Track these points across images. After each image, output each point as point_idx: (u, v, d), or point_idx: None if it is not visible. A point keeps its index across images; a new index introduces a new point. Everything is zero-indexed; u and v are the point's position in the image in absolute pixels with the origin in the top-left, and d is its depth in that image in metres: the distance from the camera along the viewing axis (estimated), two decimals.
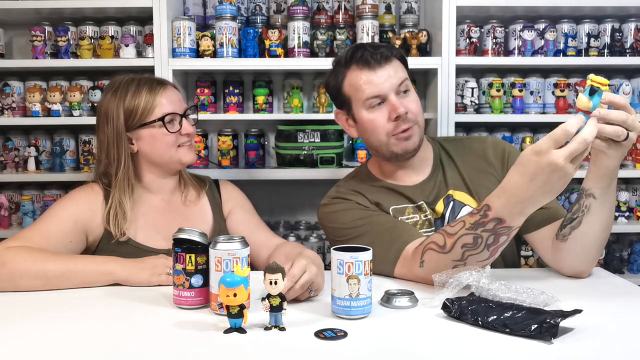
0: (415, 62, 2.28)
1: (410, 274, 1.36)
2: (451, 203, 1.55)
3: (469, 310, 1.08)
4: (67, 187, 2.45)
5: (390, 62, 1.50)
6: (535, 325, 1.00)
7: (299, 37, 2.30)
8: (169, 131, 1.53)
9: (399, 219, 1.52)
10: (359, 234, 1.47)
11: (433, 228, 1.53)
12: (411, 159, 1.56)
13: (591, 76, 1.14)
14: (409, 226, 1.49)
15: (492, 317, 1.05)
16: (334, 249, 1.11)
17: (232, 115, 2.40)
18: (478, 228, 1.22)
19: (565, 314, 1.02)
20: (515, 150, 1.63)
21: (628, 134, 1.15)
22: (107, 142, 1.54)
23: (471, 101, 2.36)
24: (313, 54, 2.34)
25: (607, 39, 2.37)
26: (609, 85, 1.15)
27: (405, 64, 1.56)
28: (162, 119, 1.52)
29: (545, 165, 1.09)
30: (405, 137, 1.50)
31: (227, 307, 1.03)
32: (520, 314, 1.04)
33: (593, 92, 1.12)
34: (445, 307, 1.12)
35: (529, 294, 1.13)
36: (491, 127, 2.47)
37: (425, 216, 1.54)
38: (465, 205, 1.54)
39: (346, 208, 1.54)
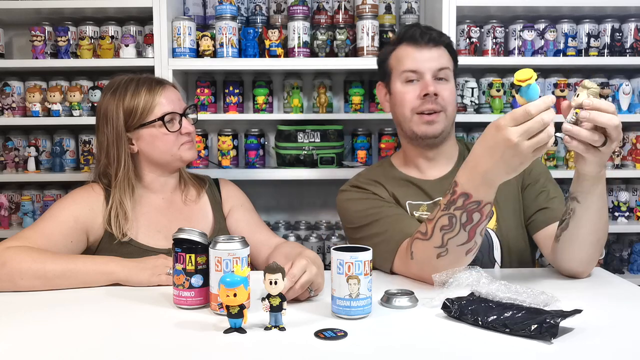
0: None
1: (405, 268, 1.38)
2: None
3: (469, 310, 1.08)
4: (67, 187, 2.45)
5: (438, 47, 1.55)
6: (535, 325, 1.00)
7: (299, 37, 2.30)
8: (169, 130, 1.53)
9: (414, 213, 1.54)
10: (367, 222, 1.50)
11: None
12: (435, 150, 1.58)
13: (515, 75, 1.14)
14: (414, 221, 1.49)
15: (492, 317, 1.05)
16: (334, 249, 1.11)
17: (232, 115, 2.40)
18: (450, 207, 1.24)
19: (565, 314, 1.02)
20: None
21: (606, 140, 1.14)
22: (107, 143, 1.54)
23: (471, 101, 2.36)
24: (313, 54, 2.34)
25: (607, 39, 2.37)
26: (536, 76, 1.15)
27: (453, 55, 1.60)
28: (161, 118, 1.52)
29: (501, 140, 1.11)
30: (428, 121, 1.53)
31: (227, 307, 1.03)
32: (520, 314, 1.04)
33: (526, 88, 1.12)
34: (445, 307, 1.12)
35: (529, 294, 1.13)
36: None
37: None
38: None
39: (361, 197, 1.57)
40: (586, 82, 1.16)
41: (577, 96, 1.15)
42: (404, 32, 1.60)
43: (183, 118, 1.56)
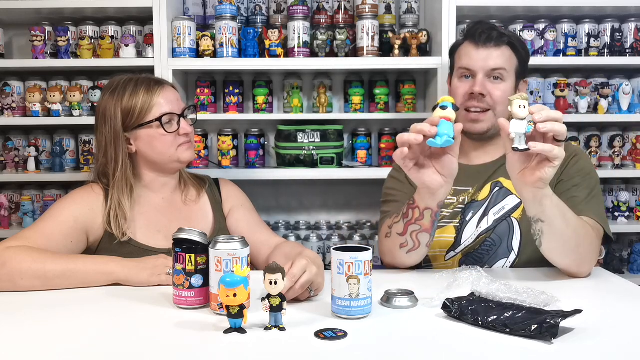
0: (415, 62, 2.28)
1: (380, 244, 1.52)
2: (497, 189, 1.58)
3: (469, 310, 1.08)
4: (67, 187, 2.45)
5: (497, 46, 1.57)
6: (536, 326, 1.00)
7: (299, 37, 2.30)
8: (166, 131, 1.52)
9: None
10: (385, 199, 1.66)
11: (457, 221, 1.58)
12: (484, 142, 1.62)
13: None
14: None
15: (492, 317, 1.05)
16: (334, 249, 1.11)
17: (232, 115, 2.40)
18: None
19: (565, 314, 1.02)
20: (583, 155, 1.61)
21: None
22: (105, 143, 1.54)
23: None
24: (313, 54, 2.34)
25: (607, 39, 2.37)
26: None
27: (519, 54, 1.60)
28: (159, 119, 1.52)
29: None
30: (473, 120, 1.57)
31: (227, 307, 1.03)
32: (520, 314, 1.04)
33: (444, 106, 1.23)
34: (445, 307, 1.12)
35: (529, 294, 1.13)
36: None
37: (460, 203, 1.58)
38: (512, 194, 1.56)
39: (394, 176, 1.69)
40: (522, 94, 1.19)
41: (523, 107, 1.16)
42: (469, 29, 1.65)
43: (181, 119, 1.55)
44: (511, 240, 1.54)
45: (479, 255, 1.55)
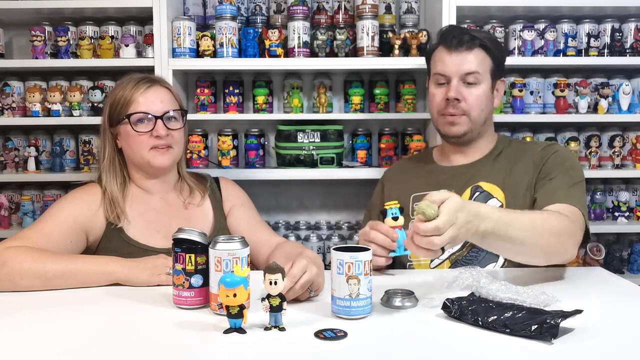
0: (415, 62, 2.27)
1: None
2: (477, 193, 1.58)
3: (469, 310, 1.09)
4: (67, 187, 2.44)
5: (469, 49, 1.56)
6: (536, 326, 1.00)
7: (299, 37, 2.30)
8: (134, 130, 1.52)
9: (415, 205, 1.59)
10: (365, 213, 1.80)
11: None
12: (464, 146, 1.64)
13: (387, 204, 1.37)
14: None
15: (492, 317, 1.05)
16: (334, 249, 1.11)
17: (232, 115, 2.40)
18: None
19: (565, 314, 1.02)
20: (565, 152, 1.61)
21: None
22: (101, 134, 1.60)
23: None
24: (313, 54, 2.34)
25: (607, 39, 2.36)
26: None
27: (492, 54, 1.59)
28: (128, 116, 1.52)
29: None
30: (449, 122, 1.59)
31: (227, 307, 1.03)
32: (520, 314, 1.04)
33: (396, 214, 1.35)
34: (445, 307, 1.12)
35: (529, 294, 1.13)
36: None
37: None
38: (493, 197, 1.56)
39: (377, 190, 1.81)
40: (423, 205, 1.12)
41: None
42: (441, 33, 1.64)
43: (158, 121, 1.52)
44: None
45: (468, 261, 1.54)
